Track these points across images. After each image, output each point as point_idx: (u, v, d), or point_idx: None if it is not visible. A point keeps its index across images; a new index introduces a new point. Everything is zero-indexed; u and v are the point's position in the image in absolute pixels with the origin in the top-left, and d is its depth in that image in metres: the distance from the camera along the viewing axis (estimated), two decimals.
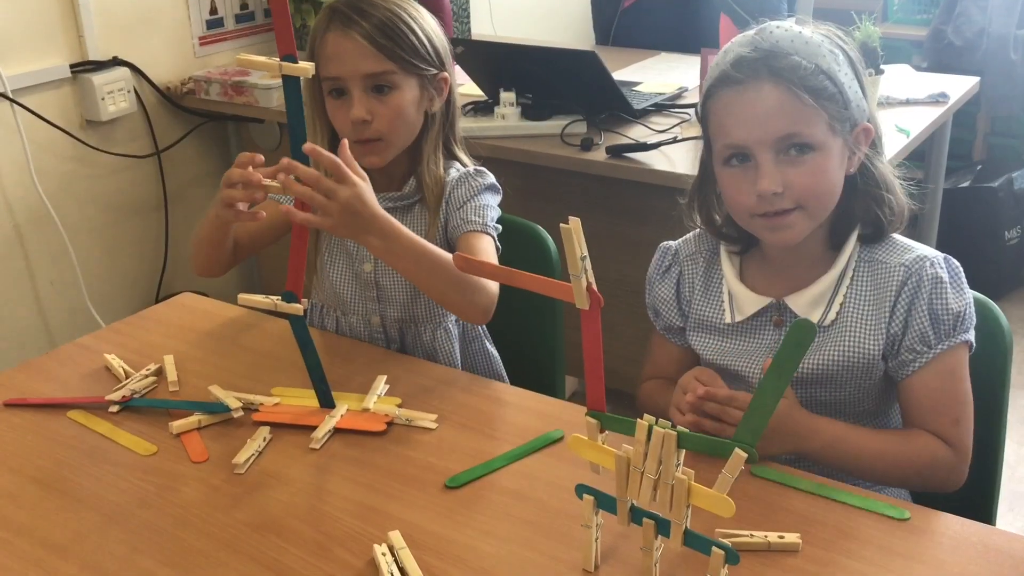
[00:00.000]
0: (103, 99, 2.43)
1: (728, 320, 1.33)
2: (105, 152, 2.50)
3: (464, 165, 1.60)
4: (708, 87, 1.26)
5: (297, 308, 1.29)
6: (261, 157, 1.28)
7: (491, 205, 1.56)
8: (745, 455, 0.92)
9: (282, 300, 1.29)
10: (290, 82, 1.20)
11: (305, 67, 1.18)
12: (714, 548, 0.96)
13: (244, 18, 2.81)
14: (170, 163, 2.68)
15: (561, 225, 0.90)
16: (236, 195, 1.29)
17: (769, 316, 1.30)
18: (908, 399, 1.26)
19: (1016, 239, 3.41)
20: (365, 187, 1.30)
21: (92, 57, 2.43)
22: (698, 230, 1.39)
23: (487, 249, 1.51)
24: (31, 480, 1.24)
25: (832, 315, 1.26)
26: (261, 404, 1.36)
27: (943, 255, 1.26)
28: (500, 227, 1.57)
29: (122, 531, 1.14)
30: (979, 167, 3.58)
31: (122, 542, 1.12)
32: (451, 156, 1.60)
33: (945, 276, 1.23)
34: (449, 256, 1.38)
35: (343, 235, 1.34)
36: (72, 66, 2.39)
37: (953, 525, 1.11)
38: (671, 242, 1.43)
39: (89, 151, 2.47)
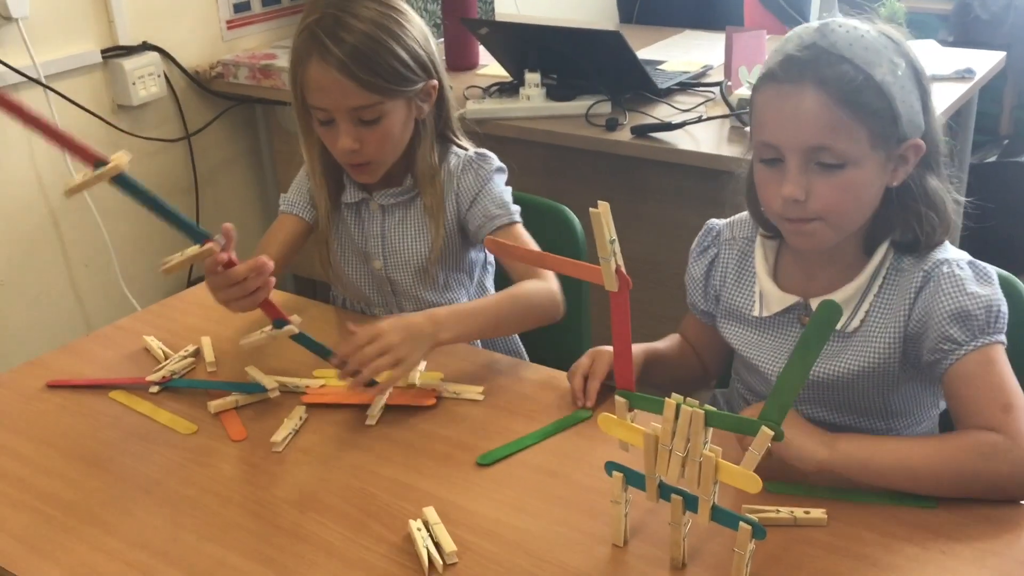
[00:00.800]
0: (134, 84, 2.47)
1: (756, 313, 1.33)
2: (136, 136, 2.54)
3: (461, 147, 1.59)
4: (759, 77, 1.24)
5: (292, 329, 1.35)
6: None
7: (505, 190, 1.58)
8: (772, 432, 0.95)
9: (274, 328, 1.34)
10: (120, 180, 1.21)
11: (117, 162, 1.19)
12: (741, 523, 0.99)
13: (270, 1, 2.83)
14: (200, 146, 2.72)
15: (591, 209, 0.93)
16: (241, 291, 1.32)
17: (796, 315, 1.30)
18: (952, 392, 1.21)
19: None
20: (395, 320, 1.33)
21: (122, 42, 2.46)
22: (738, 215, 1.39)
23: (522, 237, 1.54)
24: (76, 458, 1.28)
25: (856, 322, 1.25)
26: (307, 386, 1.40)
27: (968, 258, 1.24)
28: (518, 206, 1.58)
29: (165, 507, 1.18)
30: (1006, 141, 3.56)
31: (166, 518, 1.16)
32: (447, 142, 1.59)
33: (964, 274, 1.21)
34: (511, 293, 1.46)
35: (421, 356, 1.35)
36: (103, 51, 2.43)
37: (982, 505, 1.12)
38: (718, 221, 1.42)
39: (121, 135, 2.51)
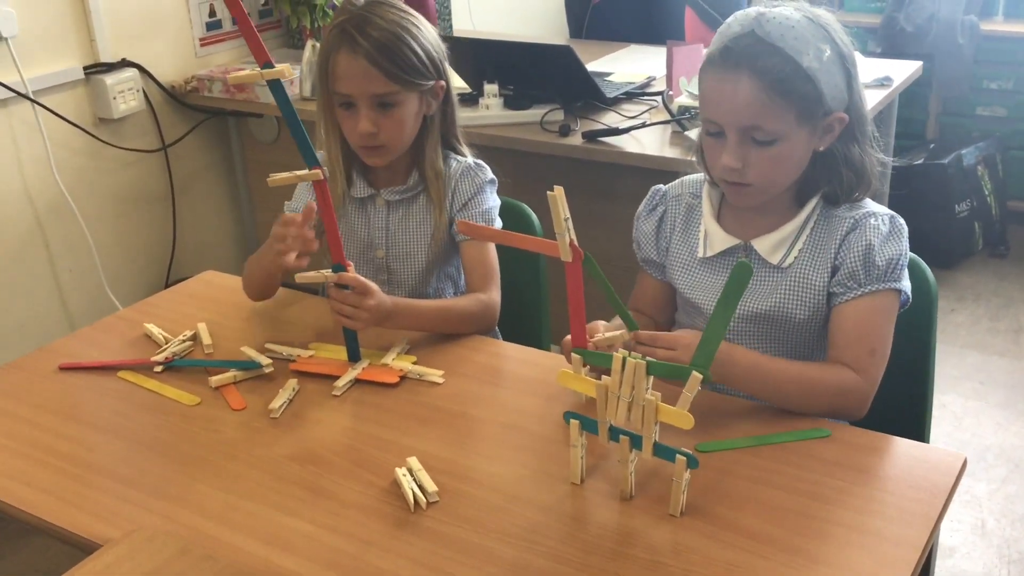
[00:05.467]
0: (114, 98, 2.62)
1: (701, 253, 1.51)
2: (117, 147, 2.69)
3: (462, 155, 1.78)
4: (705, 59, 1.42)
5: (346, 276, 1.52)
6: (299, 218, 1.50)
7: (493, 205, 1.76)
8: (701, 376, 1.14)
9: (332, 272, 1.52)
10: (275, 85, 1.41)
11: (282, 69, 1.39)
12: (678, 456, 1.17)
13: None
14: (176, 157, 2.87)
15: (548, 192, 1.12)
16: (289, 247, 1.50)
17: (736, 256, 1.48)
18: (835, 325, 1.42)
19: (966, 212, 3.64)
20: (381, 295, 1.55)
21: (103, 59, 2.62)
22: (686, 176, 1.58)
23: (488, 254, 1.72)
24: (93, 427, 1.44)
25: (790, 259, 1.45)
26: (298, 356, 1.57)
27: (891, 214, 1.45)
28: (501, 220, 1.77)
29: (180, 465, 1.34)
30: (932, 145, 3.80)
31: (180, 473, 1.33)
32: (449, 148, 1.77)
33: (884, 228, 1.42)
34: (452, 304, 1.68)
35: (368, 327, 1.56)
36: (85, 68, 2.58)
37: (861, 437, 1.33)
38: (662, 185, 1.61)
39: (103, 146, 2.66)
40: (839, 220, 1.45)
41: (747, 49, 1.34)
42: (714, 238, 1.50)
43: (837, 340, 1.42)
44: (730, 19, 1.40)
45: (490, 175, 1.77)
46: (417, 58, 1.64)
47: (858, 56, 2.81)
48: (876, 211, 1.45)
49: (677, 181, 1.60)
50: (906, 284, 1.44)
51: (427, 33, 1.68)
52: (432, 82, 1.68)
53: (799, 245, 1.45)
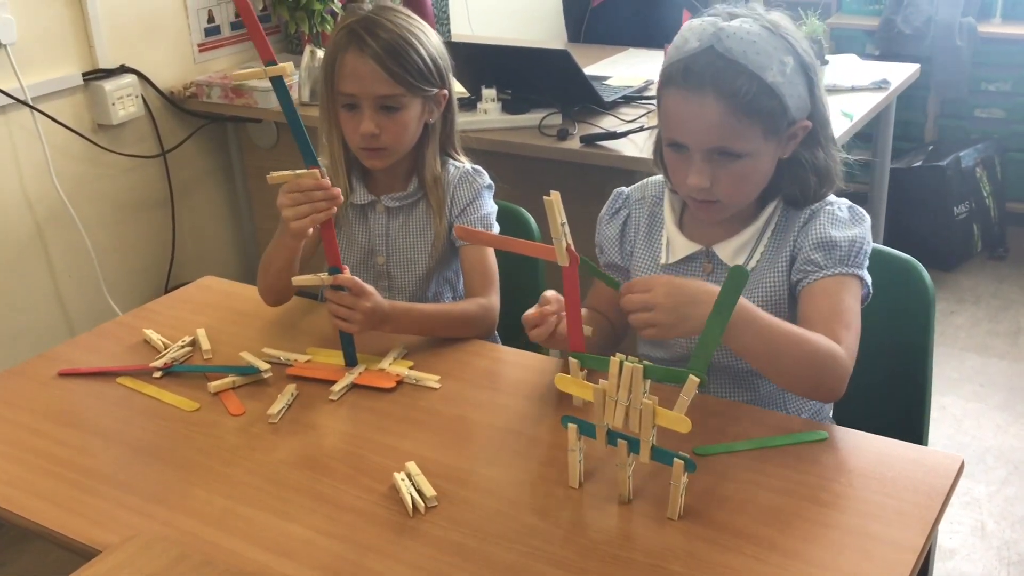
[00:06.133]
0: (113, 104, 2.62)
1: (663, 261, 1.51)
2: (116, 153, 2.69)
3: (459, 162, 1.79)
4: (663, 74, 1.39)
5: (344, 277, 1.53)
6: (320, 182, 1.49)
7: (491, 210, 1.77)
8: (698, 380, 1.14)
9: (328, 274, 1.52)
10: (277, 82, 1.42)
11: (284, 67, 1.41)
12: (675, 459, 1.18)
13: (238, 25, 3.00)
14: (175, 162, 2.87)
15: (544, 198, 1.12)
16: (316, 208, 1.48)
17: (700, 262, 1.49)
18: (806, 305, 1.39)
19: (965, 214, 3.64)
20: (377, 297, 1.55)
21: (102, 65, 2.62)
22: (648, 178, 1.58)
23: (487, 259, 1.72)
24: (92, 433, 1.44)
25: (753, 262, 1.45)
26: (295, 360, 1.57)
27: (849, 203, 1.44)
28: (498, 225, 1.78)
29: (178, 471, 1.35)
30: (930, 147, 3.81)
31: (178, 479, 1.33)
32: (446, 155, 1.78)
33: (841, 214, 1.41)
34: (450, 307, 1.68)
35: (365, 330, 1.56)
36: (84, 74, 2.59)
37: (876, 443, 1.33)
38: (625, 188, 1.61)
39: (102, 152, 2.66)
40: (796, 215, 1.44)
41: (709, 67, 1.31)
42: (676, 244, 1.50)
43: (811, 317, 1.38)
44: (685, 31, 1.36)
45: (487, 180, 1.78)
46: (423, 63, 1.65)
47: (855, 59, 2.84)
48: (834, 200, 1.45)
49: (639, 184, 1.60)
50: (867, 275, 1.42)
51: (434, 40, 1.70)
52: (436, 90, 1.69)
53: (761, 248, 1.46)
